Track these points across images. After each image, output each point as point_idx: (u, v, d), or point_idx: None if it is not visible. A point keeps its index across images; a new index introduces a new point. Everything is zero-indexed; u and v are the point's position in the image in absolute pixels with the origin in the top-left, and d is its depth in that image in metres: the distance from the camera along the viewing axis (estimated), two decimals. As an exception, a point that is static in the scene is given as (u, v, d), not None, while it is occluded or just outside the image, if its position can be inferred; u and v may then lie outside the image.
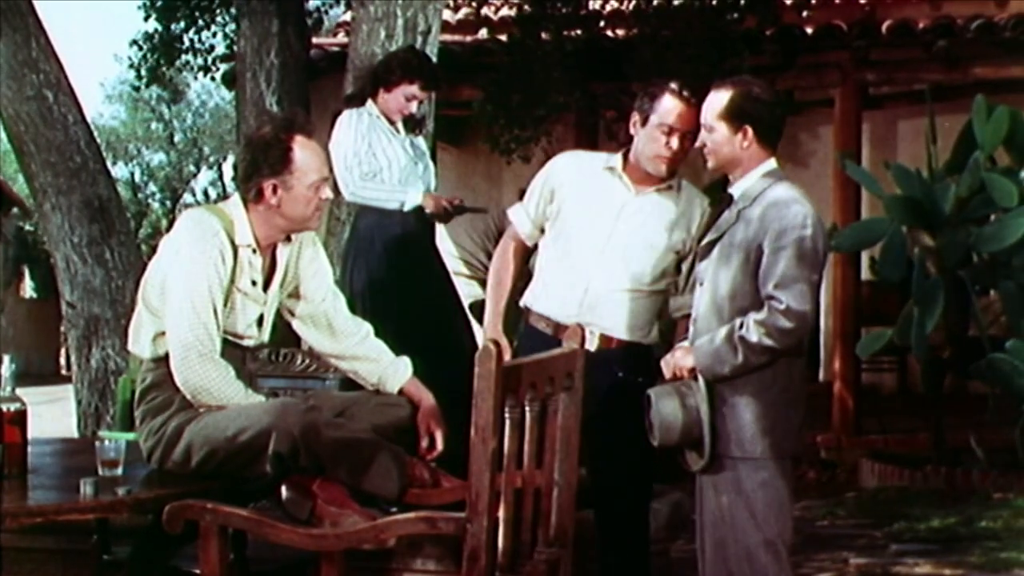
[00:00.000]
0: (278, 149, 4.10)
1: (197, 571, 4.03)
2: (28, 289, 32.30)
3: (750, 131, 4.25)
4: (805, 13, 12.08)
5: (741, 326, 4.06)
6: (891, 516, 7.88)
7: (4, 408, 4.04)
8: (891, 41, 11.40)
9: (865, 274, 11.31)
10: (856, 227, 9.94)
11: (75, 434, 8.07)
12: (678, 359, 4.23)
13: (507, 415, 3.31)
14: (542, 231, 4.97)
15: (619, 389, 4.68)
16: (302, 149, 4.13)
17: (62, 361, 29.76)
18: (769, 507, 4.17)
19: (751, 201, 4.20)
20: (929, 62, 11.15)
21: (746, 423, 4.13)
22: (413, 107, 6.10)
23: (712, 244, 4.26)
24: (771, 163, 4.32)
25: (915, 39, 11.22)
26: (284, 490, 3.84)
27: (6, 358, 4.18)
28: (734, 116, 4.25)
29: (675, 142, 4.67)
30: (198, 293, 4.00)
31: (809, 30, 11.65)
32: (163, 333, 4.07)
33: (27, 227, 30.44)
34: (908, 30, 11.30)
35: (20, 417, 4.06)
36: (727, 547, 4.19)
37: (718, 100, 4.29)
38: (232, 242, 4.10)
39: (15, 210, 28.34)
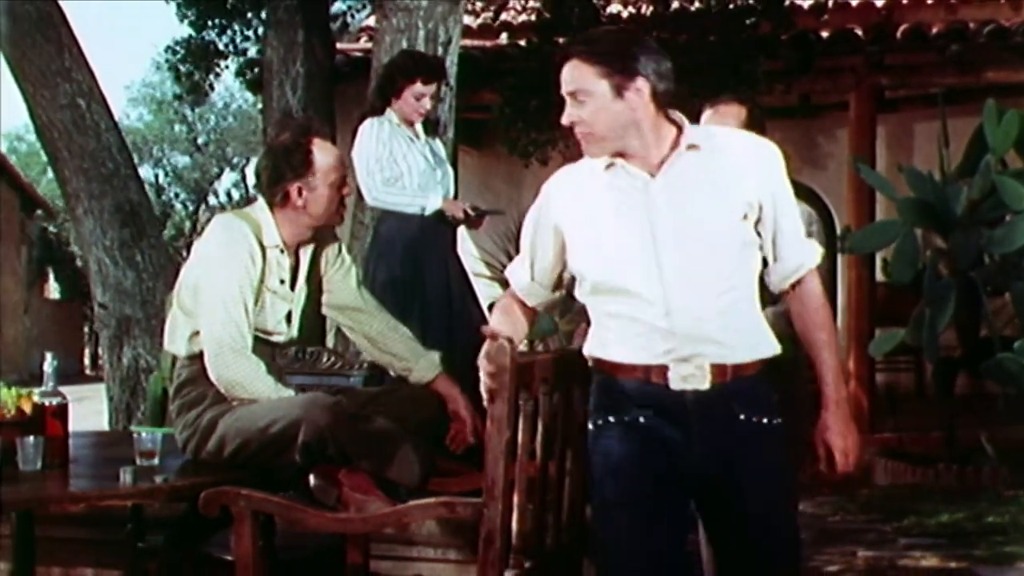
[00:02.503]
0: (299, 153, 4.34)
1: (228, 558, 4.27)
2: (52, 290, 32.58)
3: None
4: (824, 17, 12.23)
5: None
6: (901, 512, 8.06)
7: (47, 402, 4.27)
8: (905, 46, 11.54)
9: (879, 275, 11.47)
10: (869, 229, 10.10)
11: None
12: None
13: (521, 408, 3.51)
14: (559, 286, 3.79)
15: (756, 439, 3.41)
16: (321, 151, 4.38)
17: (86, 361, 30.08)
18: None
19: None
20: (942, 66, 11.29)
21: None
22: (427, 104, 6.25)
23: None
24: None
25: (928, 44, 11.36)
26: (312, 478, 4.07)
27: (48, 356, 4.42)
28: (754, 128, 4.48)
29: None
30: (230, 293, 4.23)
31: (825, 34, 11.79)
32: (197, 332, 4.30)
33: (51, 229, 30.71)
34: (922, 35, 11.45)
35: (61, 411, 4.29)
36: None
37: (736, 112, 4.55)
38: (260, 244, 4.33)
39: (39, 212, 28.61)
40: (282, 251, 4.40)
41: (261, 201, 4.44)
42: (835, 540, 7.43)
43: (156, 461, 4.13)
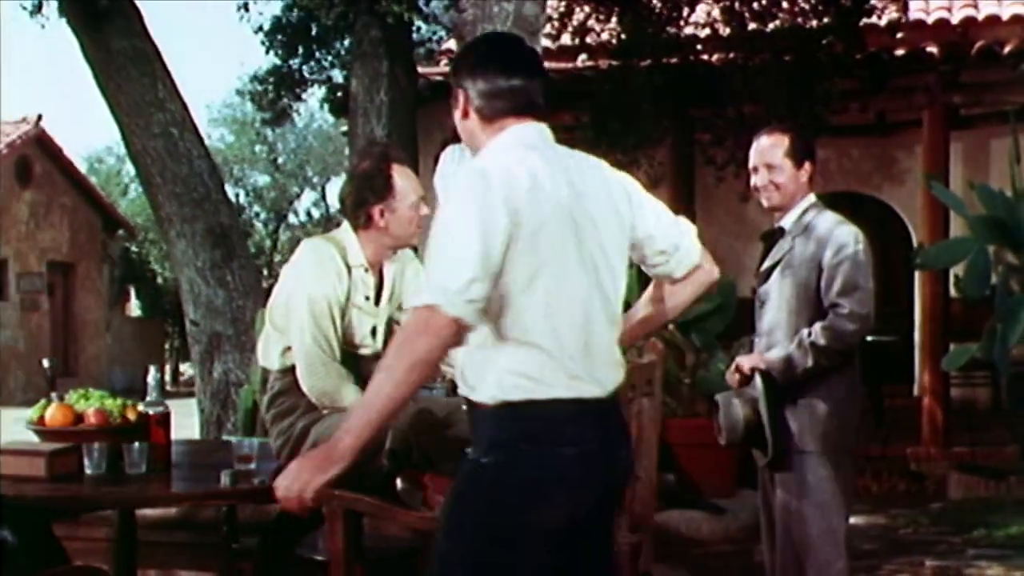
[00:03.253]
0: (380, 178, 4.68)
1: (317, 557, 4.57)
2: (134, 308, 33.16)
3: (810, 167, 4.73)
4: (900, 35, 12.34)
5: (809, 334, 4.53)
6: (971, 524, 8.20)
7: (151, 411, 4.59)
8: (979, 64, 11.64)
9: (954, 291, 11.55)
10: (942, 246, 10.15)
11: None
12: (739, 362, 4.69)
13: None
14: None
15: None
16: (399, 175, 4.71)
17: (167, 377, 30.60)
18: (831, 497, 4.62)
19: (802, 229, 4.66)
20: (1016, 84, 11.38)
21: (807, 422, 4.60)
22: None
23: (770, 271, 4.72)
24: (813, 196, 4.83)
25: (1002, 62, 11.45)
26: (399, 482, 4.37)
27: (152, 369, 4.75)
28: (798, 154, 4.72)
29: None
30: (319, 310, 4.55)
31: (899, 52, 11.92)
32: (289, 348, 4.62)
33: (132, 248, 31.27)
34: (995, 54, 11.54)
35: (165, 419, 4.61)
36: (792, 534, 4.64)
37: (779, 141, 4.77)
38: (346, 263, 4.64)
39: (121, 232, 29.17)
40: (366, 270, 4.71)
41: (346, 224, 4.76)
42: (905, 551, 7.61)
43: (253, 465, 4.43)
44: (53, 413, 4.62)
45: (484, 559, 3.19)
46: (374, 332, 4.76)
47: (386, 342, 4.81)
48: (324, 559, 4.43)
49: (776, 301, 4.72)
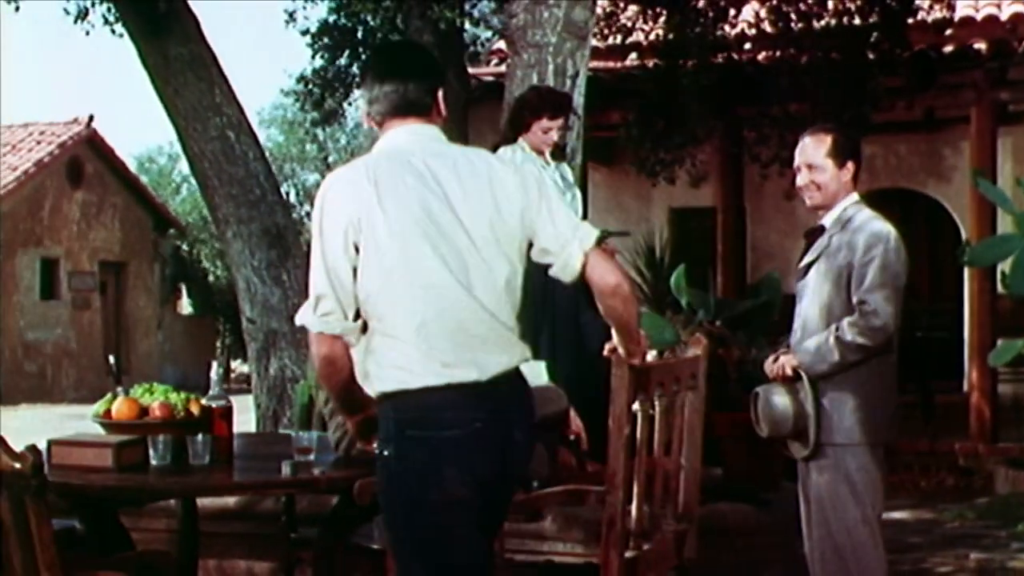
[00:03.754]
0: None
1: (373, 546, 4.73)
2: (185, 306, 33.45)
3: (852, 167, 4.83)
4: (948, 32, 12.37)
5: (837, 329, 4.64)
6: (1017, 518, 8.25)
7: (214, 405, 4.76)
8: (1024, 60, 11.65)
9: (1001, 288, 11.57)
10: (988, 242, 10.10)
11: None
12: (782, 361, 4.80)
13: (639, 409, 3.91)
14: None
15: None
16: None
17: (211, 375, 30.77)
18: (866, 487, 4.74)
19: (841, 227, 4.77)
20: (1062, 81, 11.41)
21: (845, 415, 4.71)
22: (553, 136, 6.63)
23: (808, 266, 4.84)
24: (855, 195, 4.93)
25: (1048, 58, 11.46)
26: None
27: (214, 364, 4.92)
28: (841, 154, 4.82)
29: None
30: None
31: (948, 49, 11.94)
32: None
33: (184, 247, 31.54)
34: (1040, 50, 11.54)
35: (227, 413, 4.78)
36: (830, 523, 4.75)
37: (821, 141, 4.87)
38: None
39: (172, 231, 29.46)
40: None
41: None
42: (951, 544, 7.69)
43: (312, 457, 4.58)
44: (119, 407, 4.77)
45: (415, 540, 3.48)
46: None
47: None
48: (380, 547, 4.59)
49: (811, 296, 4.84)
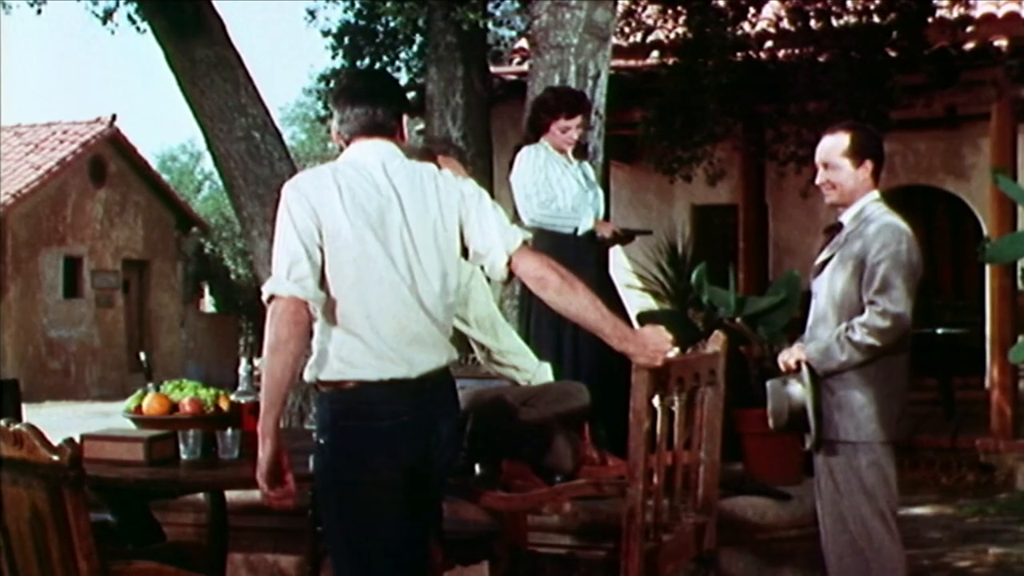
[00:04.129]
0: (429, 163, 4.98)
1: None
2: (208, 304, 33.60)
3: (871, 165, 4.88)
4: (969, 29, 12.38)
5: (847, 328, 4.71)
6: (1036, 514, 8.32)
7: (243, 400, 4.85)
8: (1046, 57, 11.65)
9: (1021, 284, 11.59)
10: (1007, 239, 10.17)
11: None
12: (793, 353, 4.88)
13: (659, 404, 4.00)
14: None
15: None
16: (445, 163, 5.07)
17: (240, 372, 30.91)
18: (877, 483, 4.81)
19: (857, 225, 4.83)
20: (1081, 77, 11.40)
21: (854, 411, 4.79)
22: (573, 135, 6.71)
23: (825, 263, 4.91)
24: (875, 193, 4.96)
25: (1069, 55, 11.46)
26: (478, 467, 4.61)
27: (243, 361, 5.00)
28: (858, 153, 4.88)
29: None
30: None
31: (969, 46, 11.96)
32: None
33: (207, 245, 31.67)
34: (1063, 48, 11.54)
35: (256, 408, 4.80)
36: (845, 518, 4.82)
37: (839, 140, 4.93)
38: None
39: (194, 229, 29.60)
40: None
41: None
42: (970, 539, 7.75)
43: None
44: (150, 402, 4.87)
45: (346, 523, 3.78)
46: None
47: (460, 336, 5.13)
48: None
49: (826, 293, 4.91)
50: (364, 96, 3.95)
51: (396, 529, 3.75)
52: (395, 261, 3.75)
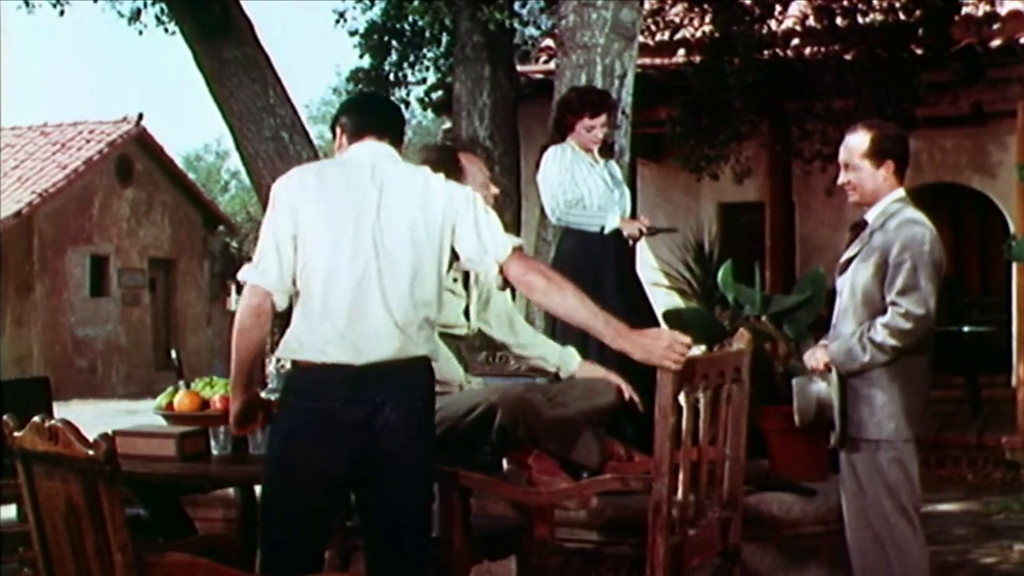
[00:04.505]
0: (449, 162, 5.13)
1: (429, 534, 4.85)
2: (234, 303, 33.69)
3: (892, 165, 4.90)
4: (996, 26, 12.36)
5: (869, 328, 4.74)
6: (1063, 511, 8.32)
7: (273, 398, 4.89)
8: (1073, 55, 11.63)
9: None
10: (1032, 237, 10.27)
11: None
12: (818, 355, 4.92)
13: (684, 400, 4.04)
14: None
15: None
16: (467, 161, 5.25)
17: (268, 370, 31.00)
18: (899, 481, 4.85)
19: (882, 224, 4.86)
20: (1109, 75, 11.38)
21: (875, 410, 4.82)
22: (598, 134, 6.75)
23: (849, 261, 4.93)
24: (900, 191, 4.96)
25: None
26: (505, 463, 4.67)
27: (272, 359, 5.05)
28: (877, 154, 4.90)
29: None
30: None
31: (996, 43, 11.94)
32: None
33: (233, 244, 31.78)
34: (1088, 45, 11.52)
35: (284, 404, 4.90)
36: (868, 515, 4.86)
37: (859, 141, 4.95)
38: None
39: (221, 228, 29.71)
40: None
41: None
42: (996, 536, 7.77)
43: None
44: (181, 399, 4.93)
45: (277, 497, 4.03)
46: (467, 313, 5.11)
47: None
48: (434, 535, 4.72)
49: (849, 291, 4.93)
50: (372, 127, 4.18)
51: (310, 503, 4.00)
52: (361, 253, 3.90)
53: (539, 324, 7.00)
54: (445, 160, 5.10)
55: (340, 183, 4.02)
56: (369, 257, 3.91)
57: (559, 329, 6.04)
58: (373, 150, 4.13)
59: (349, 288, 3.89)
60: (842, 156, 5.00)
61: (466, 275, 5.10)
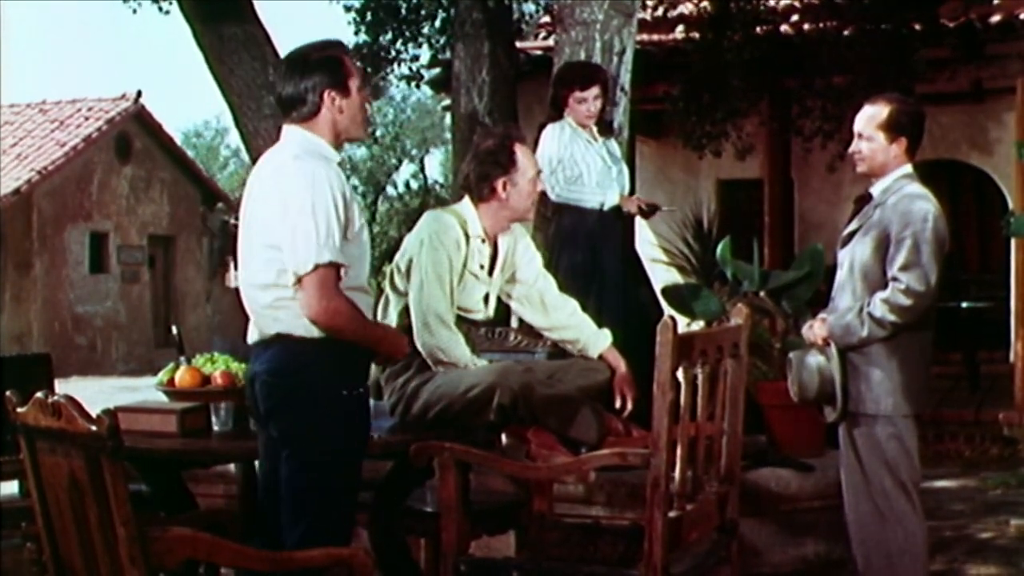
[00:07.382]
0: (504, 153, 5.11)
1: (426, 509, 4.90)
2: (233, 279, 33.70)
3: (905, 142, 4.91)
4: (995, 2, 12.35)
5: (869, 303, 4.75)
6: (1059, 486, 8.35)
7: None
8: (1072, 31, 11.62)
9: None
10: (1030, 213, 10.29)
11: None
12: (816, 329, 4.93)
13: (682, 375, 4.06)
14: None
15: None
16: (521, 152, 5.17)
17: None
18: (898, 456, 4.87)
19: (886, 198, 4.87)
20: (1108, 51, 11.36)
21: (873, 385, 4.84)
22: (591, 107, 6.76)
23: (852, 234, 4.95)
24: (908, 167, 4.97)
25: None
26: (504, 437, 4.71)
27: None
28: (892, 128, 4.91)
29: None
30: (437, 273, 4.94)
31: (995, 19, 11.93)
32: (407, 310, 4.98)
33: (232, 221, 31.81)
34: (1087, 21, 11.51)
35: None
36: (866, 490, 4.88)
37: (877, 112, 4.95)
38: (465, 234, 4.99)
39: (220, 205, 29.72)
40: (483, 240, 5.10)
41: (467, 199, 5.17)
42: (992, 511, 7.80)
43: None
44: (182, 375, 4.95)
45: (348, 466, 4.22)
46: (486, 299, 5.16)
47: (497, 310, 5.23)
48: (433, 511, 4.76)
49: (850, 264, 4.94)
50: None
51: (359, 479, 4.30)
52: (244, 245, 4.21)
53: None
54: (499, 149, 5.12)
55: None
56: (246, 251, 4.26)
57: None
58: (282, 141, 4.49)
59: (241, 278, 4.29)
60: (857, 125, 5.00)
61: (492, 262, 5.16)
